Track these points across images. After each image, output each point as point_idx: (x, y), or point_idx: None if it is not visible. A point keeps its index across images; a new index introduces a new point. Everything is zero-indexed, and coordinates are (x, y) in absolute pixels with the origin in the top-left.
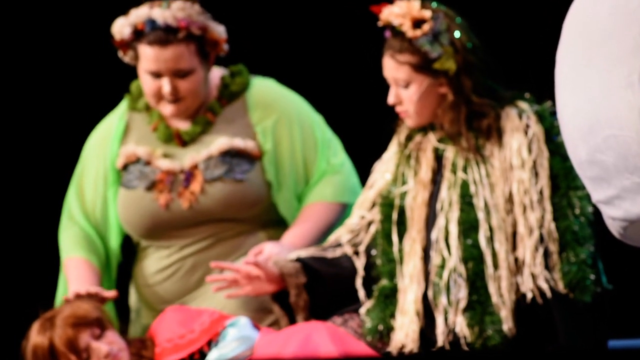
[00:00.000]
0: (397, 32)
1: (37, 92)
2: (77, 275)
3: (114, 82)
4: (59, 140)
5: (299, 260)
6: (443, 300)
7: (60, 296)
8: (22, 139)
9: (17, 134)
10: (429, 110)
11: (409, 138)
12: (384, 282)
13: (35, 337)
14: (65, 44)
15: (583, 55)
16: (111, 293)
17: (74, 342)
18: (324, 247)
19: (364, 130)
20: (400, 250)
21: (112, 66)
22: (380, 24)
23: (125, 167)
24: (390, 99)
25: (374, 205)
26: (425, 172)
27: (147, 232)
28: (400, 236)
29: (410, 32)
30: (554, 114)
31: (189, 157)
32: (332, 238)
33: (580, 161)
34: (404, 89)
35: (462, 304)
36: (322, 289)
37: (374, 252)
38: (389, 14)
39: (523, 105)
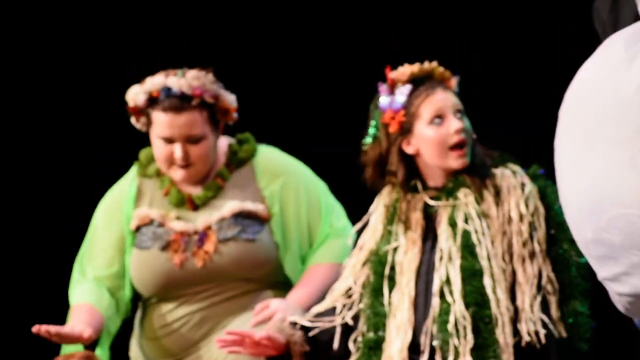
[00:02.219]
0: (428, 77)
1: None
2: (77, 316)
3: (124, 143)
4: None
5: (303, 328)
6: (453, 342)
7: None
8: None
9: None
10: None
11: (396, 199)
12: (370, 334)
13: None
14: (82, 106)
15: (584, 139)
16: (87, 334)
17: None
18: (321, 313)
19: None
20: (390, 304)
21: (123, 130)
22: (405, 78)
23: (138, 229)
24: (458, 126)
25: (363, 265)
26: (415, 229)
27: (161, 290)
28: (390, 290)
29: (446, 74)
30: (543, 175)
31: (201, 219)
32: (328, 301)
33: (585, 241)
34: (460, 120)
35: (469, 345)
36: (320, 355)
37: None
38: (415, 69)
39: (514, 167)
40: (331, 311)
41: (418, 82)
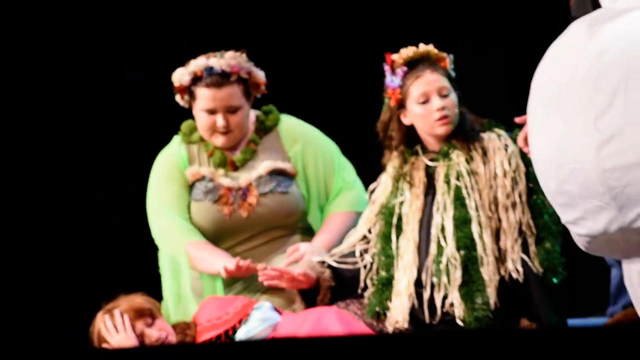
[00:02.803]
0: (423, 59)
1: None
2: (211, 253)
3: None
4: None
5: (329, 266)
6: (443, 279)
7: (166, 284)
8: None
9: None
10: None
11: (405, 160)
12: (382, 273)
13: (99, 324)
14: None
15: (549, 107)
16: (261, 266)
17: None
18: (344, 255)
19: (369, 153)
20: (398, 248)
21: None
22: (400, 60)
23: (192, 184)
24: (439, 104)
25: (376, 216)
26: (418, 185)
27: (211, 236)
28: (397, 237)
29: (440, 56)
30: None
31: (243, 177)
32: (345, 245)
33: (551, 191)
34: (445, 99)
35: (458, 282)
36: (342, 290)
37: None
38: (409, 52)
39: (499, 131)
40: (348, 253)
41: (412, 64)
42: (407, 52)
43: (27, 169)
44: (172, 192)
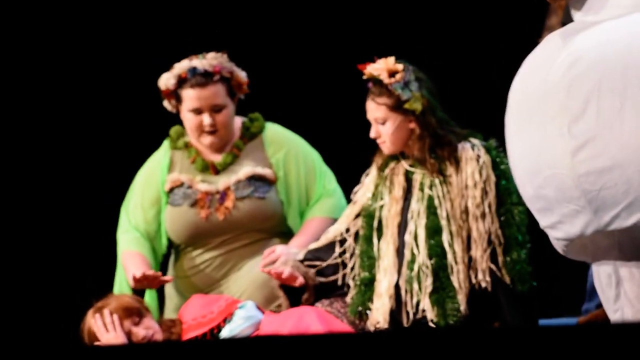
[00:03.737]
0: (377, 81)
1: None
2: (134, 263)
3: (151, 129)
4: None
5: (313, 267)
6: (414, 286)
7: (117, 284)
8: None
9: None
10: (401, 141)
11: (385, 165)
12: (364, 274)
13: (90, 322)
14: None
15: (525, 115)
16: (168, 277)
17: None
18: (318, 249)
19: (350, 160)
20: (379, 250)
21: (152, 116)
22: (364, 77)
23: (171, 190)
24: (372, 134)
25: (357, 216)
26: (397, 190)
27: (190, 239)
28: (378, 239)
29: (386, 80)
30: (497, 148)
31: (222, 181)
32: (323, 240)
33: (529, 196)
34: (382, 126)
35: (429, 289)
36: (325, 289)
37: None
38: (371, 69)
39: (474, 140)
40: (326, 248)
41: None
42: (366, 70)
43: (20, 166)
44: (138, 202)
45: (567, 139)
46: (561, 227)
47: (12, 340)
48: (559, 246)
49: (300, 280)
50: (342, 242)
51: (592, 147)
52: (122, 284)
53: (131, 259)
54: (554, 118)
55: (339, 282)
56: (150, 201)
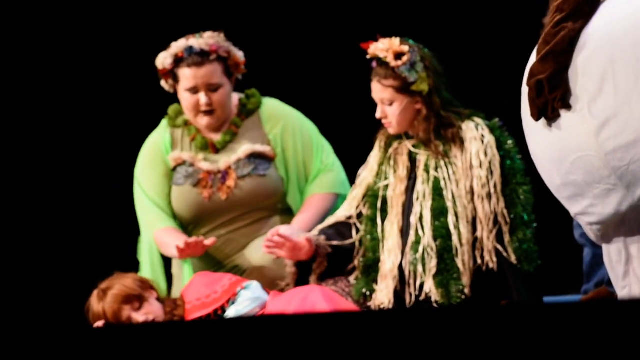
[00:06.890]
0: (382, 63)
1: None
2: (172, 236)
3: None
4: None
5: (327, 239)
6: (419, 268)
7: (149, 266)
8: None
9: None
10: (407, 122)
11: (389, 144)
12: (369, 255)
13: (93, 304)
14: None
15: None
16: (209, 241)
17: (118, 314)
18: (327, 228)
19: (354, 137)
20: (383, 231)
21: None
22: (368, 56)
23: (174, 168)
24: (378, 114)
25: (363, 197)
26: (402, 170)
27: (194, 219)
28: (382, 220)
29: (393, 62)
30: (501, 127)
31: (222, 160)
32: (331, 221)
33: (556, 186)
34: (389, 107)
35: (433, 271)
36: (336, 260)
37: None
38: (375, 49)
39: (478, 120)
40: (335, 227)
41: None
42: (370, 50)
43: (19, 155)
44: (152, 180)
45: (589, 120)
46: (594, 210)
47: (17, 322)
48: (592, 233)
49: (311, 249)
50: (356, 224)
51: (614, 123)
52: (155, 265)
53: (166, 234)
54: (573, 101)
55: (351, 265)
56: (163, 178)
